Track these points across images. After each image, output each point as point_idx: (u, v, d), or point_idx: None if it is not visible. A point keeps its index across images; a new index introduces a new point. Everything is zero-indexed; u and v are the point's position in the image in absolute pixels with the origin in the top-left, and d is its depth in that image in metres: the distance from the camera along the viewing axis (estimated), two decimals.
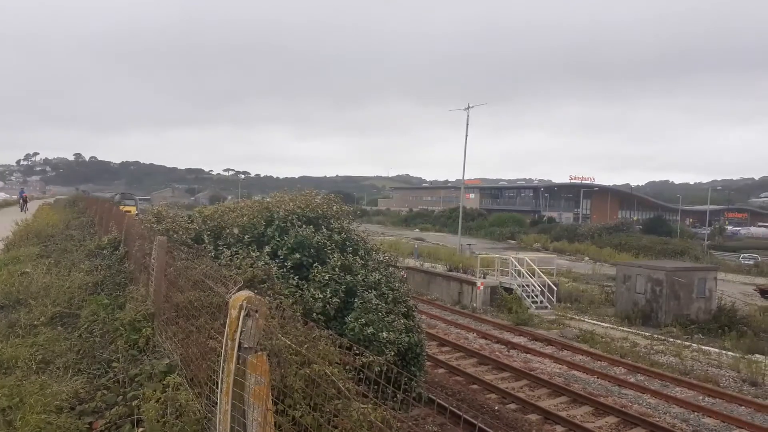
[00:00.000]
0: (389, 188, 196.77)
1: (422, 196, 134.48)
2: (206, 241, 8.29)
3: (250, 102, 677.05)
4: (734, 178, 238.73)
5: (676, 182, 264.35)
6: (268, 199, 9.52)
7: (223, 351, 3.61)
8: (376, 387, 5.06)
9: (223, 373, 3.58)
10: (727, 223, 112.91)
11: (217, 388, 3.76)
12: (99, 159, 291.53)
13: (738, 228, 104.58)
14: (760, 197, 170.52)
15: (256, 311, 3.43)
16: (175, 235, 8.43)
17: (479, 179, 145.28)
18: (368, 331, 7.82)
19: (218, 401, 3.65)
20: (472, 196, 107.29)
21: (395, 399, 4.90)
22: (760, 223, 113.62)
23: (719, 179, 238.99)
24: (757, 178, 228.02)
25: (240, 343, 3.43)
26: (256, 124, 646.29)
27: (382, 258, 9.71)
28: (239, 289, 4.01)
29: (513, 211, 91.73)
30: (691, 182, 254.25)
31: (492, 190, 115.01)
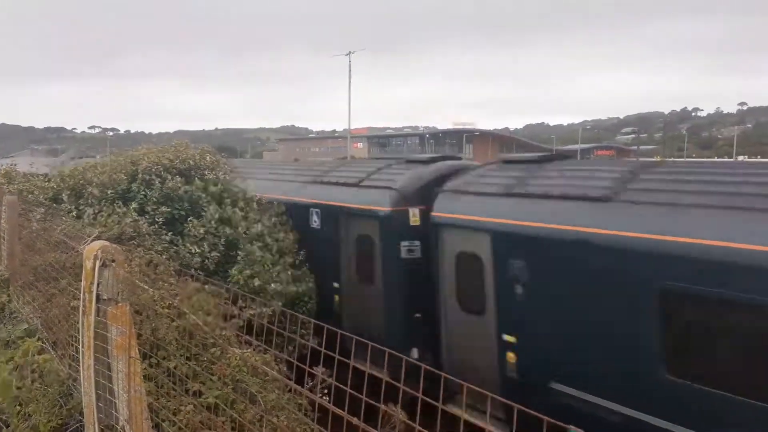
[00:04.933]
0: (274, 140, 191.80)
1: (310, 147, 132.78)
2: (66, 201, 7.72)
3: (126, 54, 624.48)
4: (602, 118, 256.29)
5: (551, 124, 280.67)
6: (131, 152, 8.92)
7: (80, 305, 3.45)
8: (261, 337, 5.12)
9: (83, 327, 3.43)
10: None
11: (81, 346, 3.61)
12: None
13: None
14: (622, 134, 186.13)
15: (113, 261, 3.29)
16: (30, 196, 7.79)
17: (366, 128, 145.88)
18: (255, 284, 7.78)
19: (80, 357, 3.51)
20: (360, 145, 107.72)
21: (282, 348, 4.99)
22: (625, 159, 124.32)
23: (590, 120, 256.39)
24: (622, 117, 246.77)
25: (98, 295, 3.29)
26: (131, 77, 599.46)
27: (264, 208, 9.53)
28: (95, 240, 3.82)
29: None
30: (565, 123, 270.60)
31: (380, 139, 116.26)
